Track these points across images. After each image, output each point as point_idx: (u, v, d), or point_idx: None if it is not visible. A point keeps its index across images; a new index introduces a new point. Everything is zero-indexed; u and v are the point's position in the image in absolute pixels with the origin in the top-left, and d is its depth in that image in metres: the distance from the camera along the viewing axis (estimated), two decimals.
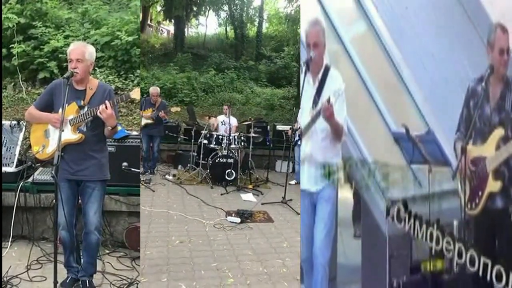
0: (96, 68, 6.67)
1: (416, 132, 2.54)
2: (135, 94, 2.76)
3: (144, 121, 6.92)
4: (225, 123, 7.43)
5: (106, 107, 2.65)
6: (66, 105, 2.65)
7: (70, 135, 2.79)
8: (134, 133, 4.51)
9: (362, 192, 2.70)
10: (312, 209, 2.61)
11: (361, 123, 2.76)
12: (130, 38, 6.81)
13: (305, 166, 2.59)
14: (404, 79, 2.79)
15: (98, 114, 2.67)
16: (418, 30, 2.82)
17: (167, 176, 7.24)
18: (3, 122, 4.12)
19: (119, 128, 3.83)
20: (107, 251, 3.84)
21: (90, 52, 2.83)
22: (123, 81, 6.75)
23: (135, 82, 6.71)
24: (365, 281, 2.82)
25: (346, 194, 2.70)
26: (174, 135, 8.39)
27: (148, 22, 22.04)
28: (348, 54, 2.81)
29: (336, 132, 2.47)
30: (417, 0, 2.87)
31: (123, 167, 3.72)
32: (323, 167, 2.50)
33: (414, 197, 2.61)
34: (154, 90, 7.40)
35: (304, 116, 2.57)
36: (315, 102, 2.52)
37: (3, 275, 3.11)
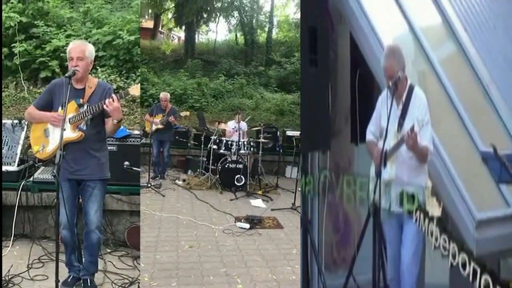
0: (97, 67, 6.68)
1: (504, 151, 2.51)
2: (134, 90, 2.76)
3: (154, 127, 6.92)
4: (237, 130, 7.41)
5: (113, 100, 2.66)
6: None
7: (70, 133, 2.80)
8: (136, 132, 4.51)
9: (449, 210, 2.67)
10: (399, 229, 2.61)
11: (448, 142, 2.76)
12: (132, 38, 6.81)
13: (392, 187, 2.57)
14: (492, 99, 2.78)
15: (105, 107, 2.68)
16: (508, 51, 2.80)
17: (177, 181, 7.25)
18: (5, 121, 4.13)
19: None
20: (109, 250, 3.84)
21: (90, 50, 2.86)
22: (125, 80, 6.76)
23: (137, 81, 6.73)
24: None
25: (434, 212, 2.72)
26: (184, 140, 8.40)
27: (160, 29, 22.25)
28: (436, 75, 2.81)
29: (421, 156, 2.48)
30: (506, 20, 2.84)
31: (125, 166, 3.70)
32: (402, 195, 2.49)
33: (502, 216, 2.59)
34: (164, 95, 7.42)
35: (388, 139, 2.51)
36: (400, 125, 2.52)
37: (5, 274, 3.12)
